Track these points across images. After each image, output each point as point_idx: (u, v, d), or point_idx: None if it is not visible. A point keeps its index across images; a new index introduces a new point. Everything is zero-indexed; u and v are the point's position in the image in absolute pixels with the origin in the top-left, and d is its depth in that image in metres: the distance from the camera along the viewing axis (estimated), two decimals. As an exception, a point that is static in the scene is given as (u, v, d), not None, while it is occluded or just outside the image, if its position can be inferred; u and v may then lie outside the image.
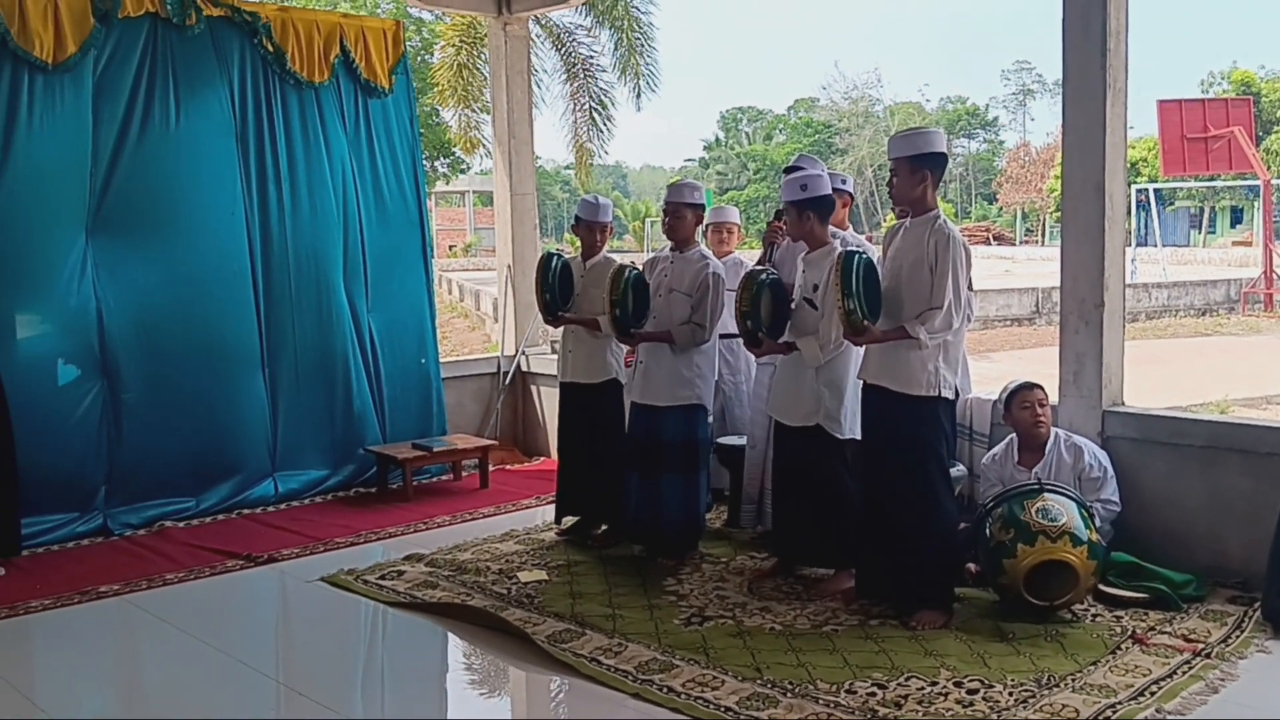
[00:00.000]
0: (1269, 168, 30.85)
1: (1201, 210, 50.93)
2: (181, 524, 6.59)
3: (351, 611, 5.21)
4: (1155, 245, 32.64)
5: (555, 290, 6.01)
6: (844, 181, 5.76)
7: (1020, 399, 5.29)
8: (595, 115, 19.78)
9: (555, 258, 6.09)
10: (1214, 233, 50.76)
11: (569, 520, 6.23)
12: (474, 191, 54.73)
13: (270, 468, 7.15)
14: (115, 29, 6.50)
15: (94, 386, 6.46)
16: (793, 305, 5.13)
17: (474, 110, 18.54)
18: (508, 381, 8.59)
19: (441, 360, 8.18)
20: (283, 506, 7.04)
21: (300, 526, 6.53)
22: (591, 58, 19.45)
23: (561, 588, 5.24)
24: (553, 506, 6.40)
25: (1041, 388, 5.34)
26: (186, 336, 6.76)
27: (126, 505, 6.54)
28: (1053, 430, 5.26)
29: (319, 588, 5.45)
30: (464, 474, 7.74)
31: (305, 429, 7.30)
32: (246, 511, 6.89)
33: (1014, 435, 5.36)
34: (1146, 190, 32.84)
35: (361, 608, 5.21)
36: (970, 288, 4.70)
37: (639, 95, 19.24)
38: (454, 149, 28.02)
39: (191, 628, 4.95)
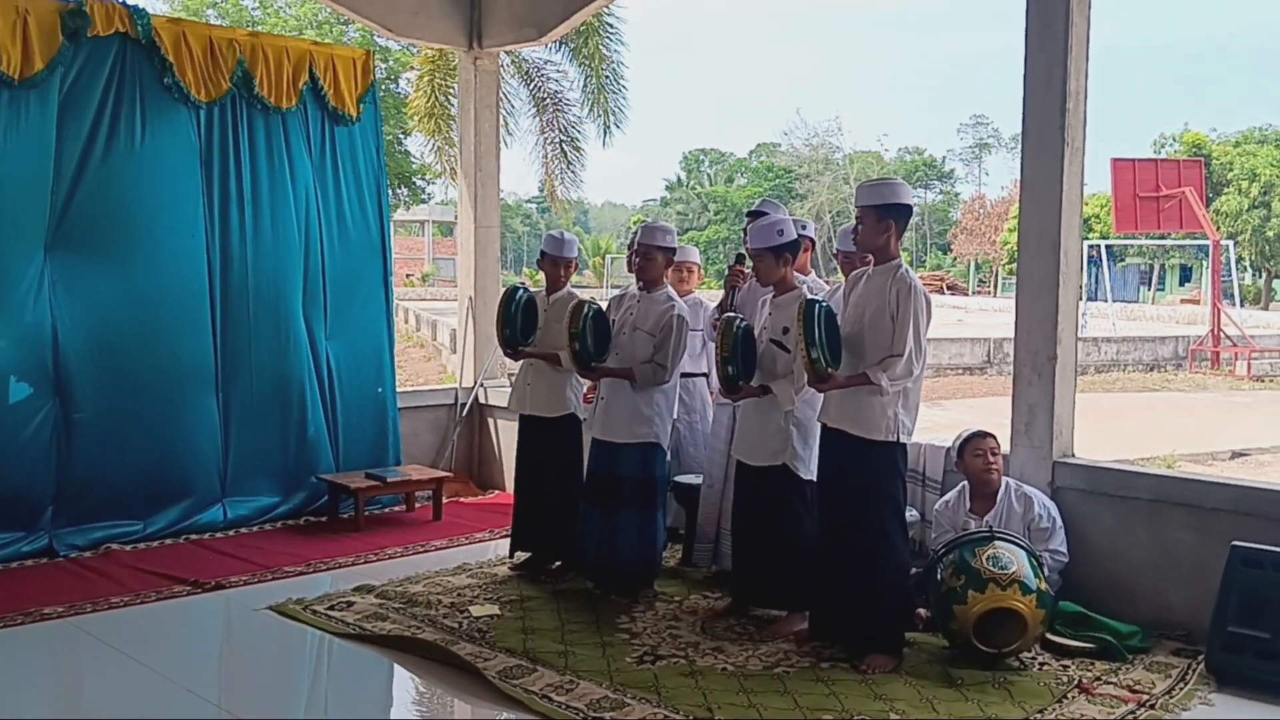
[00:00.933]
0: (1218, 228, 31.52)
1: (1152, 268, 51.98)
2: (128, 547, 6.50)
3: (298, 641, 5.15)
4: (1106, 300, 33.19)
5: (517, 324, 6.01)
6: (804, 227, 5.84)
7: (973, 447, 5.36)
8: (565, 149, 19.86)
9: (519, 291, 6.11)
10: (1163, 290, 51.80)
11: (522, 555, 6.20)
12: (434, 221, 54.73)
13: (220, 493, 7.07)
14: (84, 47, 6.48)
15: (45, 404, 6.37)
16: (759, 348, 5.17)
17: (449, 139, 18.59)
18: (464, 413, 8.57)
19: (398, 390, 8.15)
20: (231, 533, 6.95)
21: (249, 554, 6.45)
22: (560, 93, 19.57)
23: (514, 623, 5.21)
24: (506, 540, 6.37)
25: (994, 436, 5.42)
26: (141, 357, 6.69)
27: (73, 526, 6.44)
28: (1004, 479, 5.34)
29: (266, 616, 5.38)
30: (417, 505, 7.68)
31: (257, 455, 7.23)
32: (195, 537, 6.80)
33: (965, 483, 5.42)
34: (1099, 246, 33.42)
35: (309, 638, 5.14)
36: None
37: (607, 131, 19.36)
38: (416, 179, 28.07)
39: (136, 652, 4.87)
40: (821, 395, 4.95)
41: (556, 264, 6.13)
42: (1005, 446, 5.51)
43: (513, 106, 19.48)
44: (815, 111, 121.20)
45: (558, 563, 6.05)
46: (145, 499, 6.73)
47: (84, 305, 6.49)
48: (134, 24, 6.67)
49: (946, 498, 5.53)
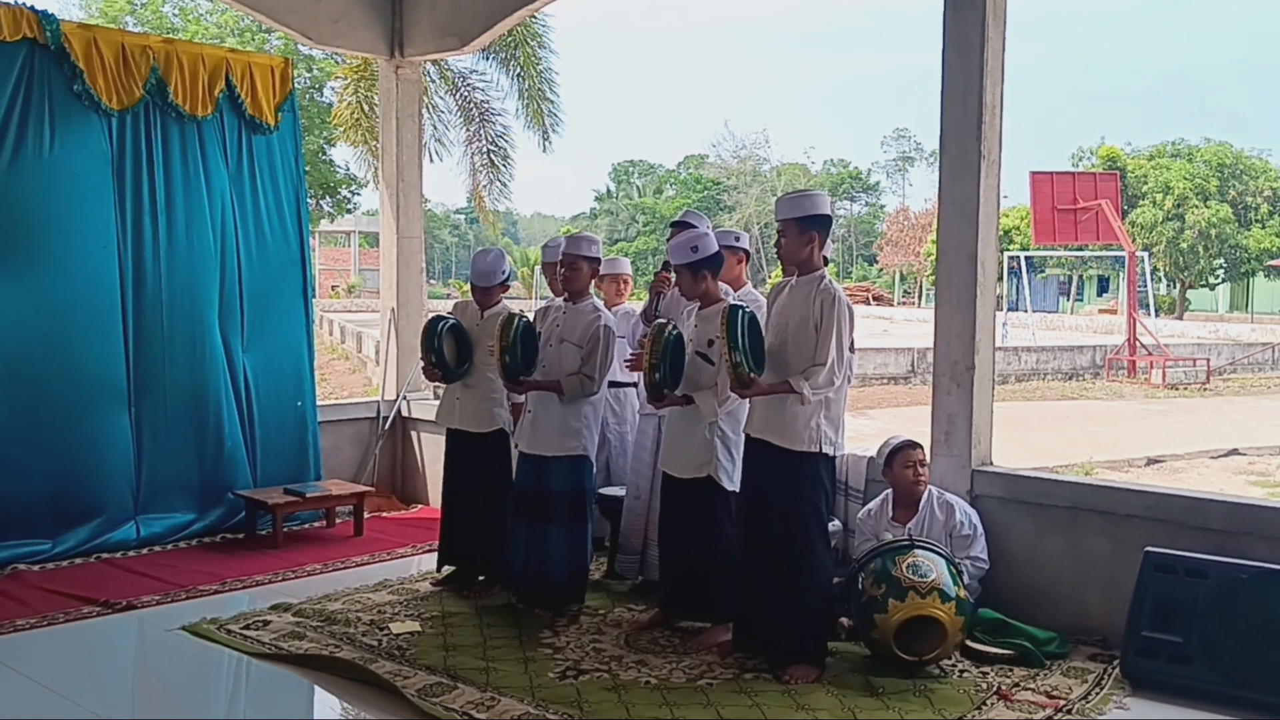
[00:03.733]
0: (1134, 240, 32.34)
1: (1070, 278, 53.16)
2: (36, 567, 6.30)
3: (214, 662, 5.02)
4: (1026, 310, 33.88)
5: (444, 358, 5.94)
6: (737, 239, 5.83)
7: (904, 458, 5.39)
8: (493, 159, 19.73)
9: (435, 328, 5.98)
10: (1081, 300, 53.01)
11: (447, 569, 6.12)
12: (359, 232, 54.16)
13: (133, 510, 6.88)
14: (-12, 53, 6.29)
15: (-53, 420, 6.17)
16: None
17: (375, 149, 18.39)
18: (387, 426, 8.46)
19: (319, 403, 8.01)
20: (145, 551, 6.77)
21: (162, 572, 6.29)
22: (487, 102, 19.45)
23: (434, 639, 5.14)
24: (429, 555, 6.28)
25: (921, 447, 5.46)
26: (49, 371, 6.50)
27: (-24, 546, 6.22)
28: (927, 487, 5.39)
29: (180, 637, 5.24)
30: (338, 521, 7.55)
31: (171, 470, 7.05)
32: (106, 555, 6.61)
33: (890, 491, 5.46)
34: (1018, 257, 34.11)
35: (224, 658, 5.02)
36: (851, 348, 4.80)
37: (545, 138, 19.25)
38: (341, 189, 27.78)
39: (43, 677, 4.72)
40: (745, 407, 4.96)
41: (483, 292, 6.04)
42: (926, 455, 5.57)
43: (440, 116, 19.34)
44: (743, 124, 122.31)
45: (481, 577, 5.98)
46: (54, 517, 6.53)
47: (-10, 317, 6.29)
48: (42, 29, 6.49)
49: (869, 506, 5.57)
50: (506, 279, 6.13)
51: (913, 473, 5.36)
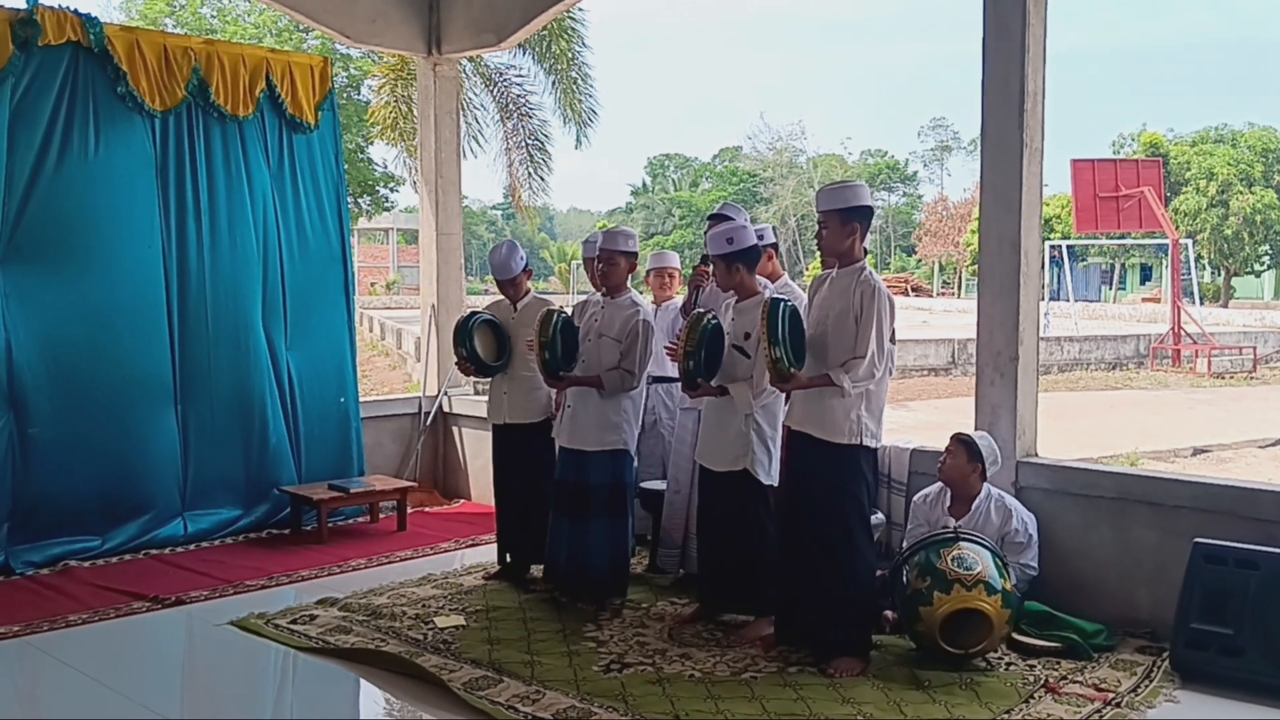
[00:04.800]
0: (1177, 227, 31.93)
1: (1113, 267, 52.51)
2: (86, 563, 6.40)
3: (261, 657, 5.08)
4: (1068, 300, 33.53)
5: (476, 354, 6.00)
6: (761, 236, 5.80)
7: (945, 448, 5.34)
8: (531, 154, 19.77)
9: (466, 325, 6.04)
10: (1124, 289, 52.36)
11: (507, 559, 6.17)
12: (397, 229, 54.44)
13: (180, 507, 6.97)
14: (35, 56, 6.38)
15: (0, 419, 6.25)
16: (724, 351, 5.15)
17: (413, 146, 18.48)
18: (429, 422, 8.50)
19: (361, 399, 8.08)
20: (192, 547, 6.86)
21: (209, 568, 6.37)
22: (523, 97, 19.50)
23: (479, 633, 5.17)
24: (472, 550, 6.31)
25: (958, 439, 5.37)
26: (97, 370, 6.59)
27: (29, 543, 6.33)
28: (985, 487, 5.31)
29: (227, 632, 5.31)
30: (381, 516, 7.62)
31: (217, 468, 7.14)
32: (154, 552, 6.70)
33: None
34: (1060, 246, 33.77)
35: (271, 653, 5.07)
36: (892, 340, 4.77)
37: (581, 132, 19.29)
38: (379, 187, 27.93)
39: (94, 671, 4.79)
40: (783, 400, 4.95)
41: (503, 286, 6.12)
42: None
43: (477, 113, 19.42)
44: (778, 115, 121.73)
45: (539, 567, 5.98)
46: (103, 514, 6.63)
47: (38, 319, 6.39)
48: (86, 32, 6.57)
49: (927, 491, 5.49)
50: (525, 266, 6.15)
51: (940, 460, 5.32)
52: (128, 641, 5.27)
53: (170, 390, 6.93)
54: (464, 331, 6.01)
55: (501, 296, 6.24)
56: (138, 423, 6.77)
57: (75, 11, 6.57)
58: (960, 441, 5.32)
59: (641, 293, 6.13)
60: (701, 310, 5.21)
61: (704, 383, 5.06)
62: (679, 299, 6.75)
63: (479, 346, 6.02)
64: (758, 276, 5.29)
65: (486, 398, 6.41)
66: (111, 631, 5.36)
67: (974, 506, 5.25)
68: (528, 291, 6.14)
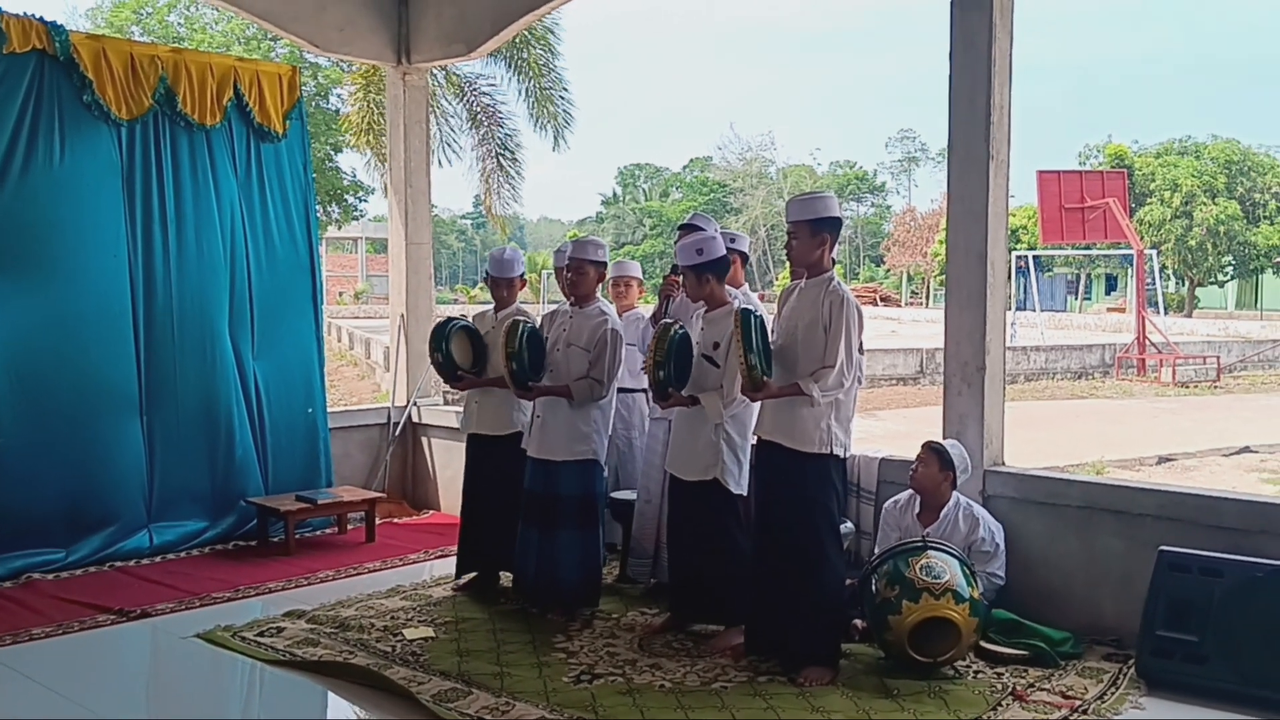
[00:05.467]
0: (1142, 238, 32.24)
1: (1078, 277, 53.05)
2: (50, 576, 6.31)
3: (228, 670, 5.03)
4: (1034, 309, 33.81)
5: (451, 358, 6.00)
6: (732, 240, 5.83)
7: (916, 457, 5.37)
8: (502, 163, 19.74)
9: (444, 330, 6.05)
10: (1090, 299, 52.87)
11: (469, 575, 6.13)
12: (366, 238, 54.25)
13: (145, 518, 6.90)
14: (0, 64, 6.31)
15: (-39, 431, 6.19)
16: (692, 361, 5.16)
17: (383, 155, 18.42)
18: (398, 432, 8.47)
19: (329, 410, 8.03)
20: (158, 559, 6.78)
21: (175, 580, 6.30)
22: (494, 106, 19.48)
23: (448, 645, 5.14)
24: (441, 561, 6.28)
25: (936, 450, 5.35)
26: (62, 380, 6.52)
27: (-9, 556, 6.24)
28: (954, 495, 5.33)
29: (194, 644, 5.25)
30: (349, 527, 7.56)
31: (183, 479, 7.07)
32: (119, 564, 6.62)
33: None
34: (1026, 257, 34.09)
35: (238, 666, 5.02)
36: (861, 350, 4.79)
37: (559, 137, 19.29)
38: (348, 195, 27.82)
39: (59, 686, 4.74)
40: (754, 410, 4.97)
41: (498, 284, 6.10)
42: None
43: (447, 121, 19.37)
44: (748, 126, 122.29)
45: (508, 574, 5.96)
46: (67, 526, 6.55)
47: (2, 328, 6.30)
48: (52, 40, 6.51)
49: (898, 498, 5.52)
50: (522, 275, 6.16)
51: (911, 470, 5.35)
52: (92, 655, 5.21)
53: (136, 400, 6.87)
54: (441, 334, 6.01)
55: (486, 310, 6.22)
56: (102, 433, 6.70)
57: (40, 19, 6.51)
58: (932, 450, 5.35)
59: (610, 302, 6.13)
60: (669, 320, 5.23)
61: (675, 392, 5.07)
62: (640, 309, 6.76)
63: (455, 352, 6.01)
64: (727, 286, 5.31)
65: (456, 408, 6.40)
66: (76, 645, 5.29)
67: (942, 514, 5.28)
68: (513, 303, 6.13)
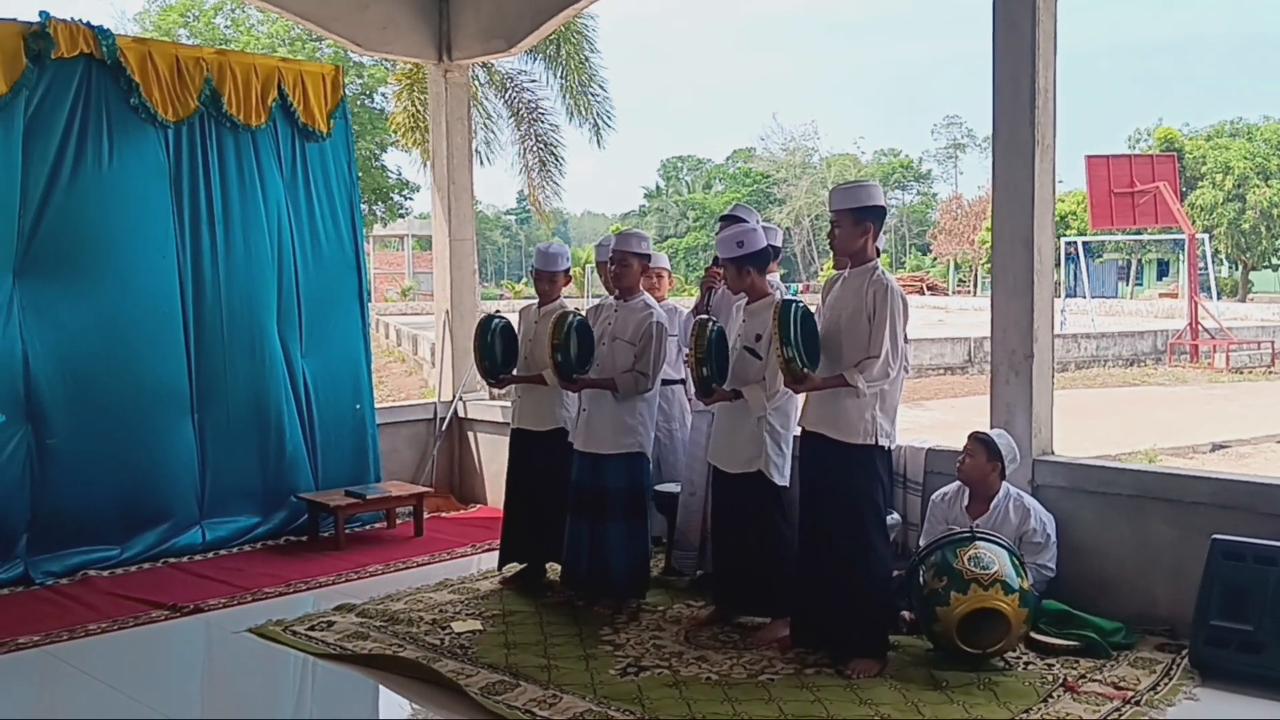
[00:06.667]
0: (1193, 222, 31.77)
1: (1129, 263, 52.28)
2: (105, 573, 6.42)
3: (280, 664, 5.09)
4: (1084, 296, 33.38)
5: (495, 355, 6.03)
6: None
7: (964, 447, 5.31)
8: (544, 158, 19.82)
9: (493, 320, 6.08)
10: (1141, 285, 52.12)
11: (513, 567, 6.17)
12: (413, 235, 54.61)
13: (198, 515, 7.00)
14: (48, 69, 6.42)
15: (18, 431, 6.30)
16: (732, 353, 5.15)
17: (429, 152, 18.55)
18: (444, 428, 8.52)
19: (377, 406, 8.10)
20: (210, 555, 6.88)
21: (227, 576, 6.38)
22: (535, 102, 19.54)
23: (496, 638, 5.17)
24: (488, 555, 6.31)
25: (983, 441, 5.30)
26: (114, 380, 6.63)
27: (49, 553, 6.36)
28: (1004, 485, 5.27)
29: (246, 639, 5.32)
30: (398, 522, 7.63)
31: (235, 476, 7.16)
32: (172, 560, 6.73)
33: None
34: (1075, 243, 33.62)
35: (290, 660, 5.09)
36: (905, 339, 4.76)
37: (598, 134, 19.34)
38: (393, 193, 28.05)
39: (114, 680, 4.82)
40: (797, 402, 4.95)
41: (540, 278, 6.11)
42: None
43: (490, 119, 19.47)
44: (791, 116, 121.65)
45: (555, 565, 5.98)
46: (122, 523, 6.66)
47: (54, 330, 6.42)
48: (99, 45, 6.61)
49: (945, 490, 5.46)
50: (568, 270, 6.17)
51: (959, 460, 5.30)
52: (147, 650, 5.29)
53: (186, 399, 6.97)
54: (487, 332, 6.05)
55: (531, 304, 6.24)
56: (154, 432, 6.80)
57: (88, 24, 6.61)
58: (979, 440, 5.30)
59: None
60: (704, 318, 5.22)
61: (718, 388, 5.06)
62: (671, 300, 6.74)
63: (498, 351, 6.05)
64: (769, 277, 5.29)
65: (503, 403, 6.43)
66: (130, 640, 5.38)
67: (992, 505, 5.22)
68: (557, 295, 6.15)
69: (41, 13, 6.43)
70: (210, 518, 7.04)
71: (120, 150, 6.70)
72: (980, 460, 5.26)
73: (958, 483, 5.40)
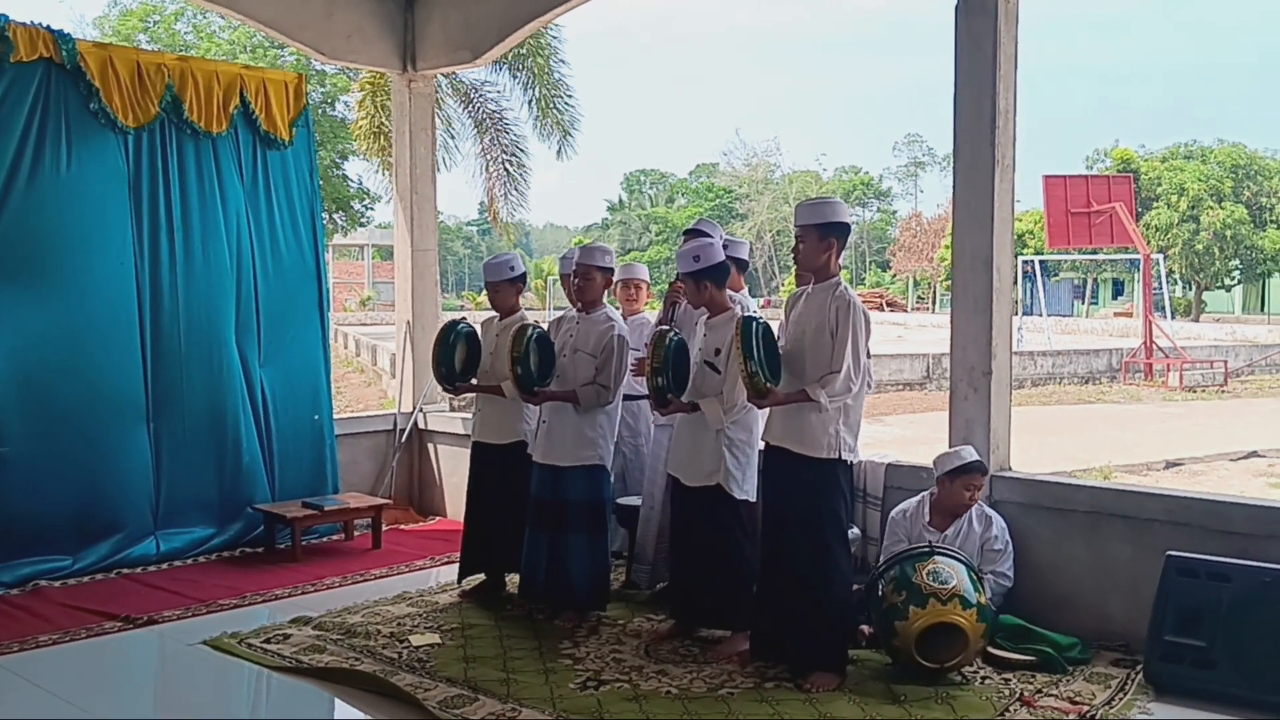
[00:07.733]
0: (1148, 242, 32.19)
1: (1085, 281, 52.95)
2: (57, 583, 6.32)
3: (235, 676, 5.03)
4: (1041, 314, 33.74)
5: (453, 361, 6.00)
6: (728, 247, 5.80)
7: (967, 480, 5.28)
8: (507, 169, 19.78)
9: (458, 325, 6.06)
10: (1096, 303, 52.79)
11: (472, 581, 6.13)
12: (373, 245, 54.37)
13: (152, 525, 6.90)
14: (7, 73, 6.33)
15: (-32, 439, 6.19)
16: (693, 367, 5.16)
17: (389, 161, 18.47)
18: (404, 439, 8.47)
19: (336, 416, 8.03)
20: (164, 566, 6.79)
21: (182, 587, 6.30)
22: (499, 113, 19.52)
23: (455, 651, 5.14)
24: (447, 567, 6.27)
25: (986, 470, 5.39)
26: (69, 388, 6.53)
27: (-1, 563, 6.25)
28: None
29: (200, 651, 5.25)
30: (356, 534, 7.56)
31: (190, 486, 7.07)
32: (126, 571, 6.63)
33: (930, 495, 5.41)
34: (1033, 261, 33.97)
35: (245, 673, 5.03)
36: (868, 355, 4.79)
37: (564, 144, 19.33)
38: (354, 203, 27.89)
39: (65, 693, 4.74)
40: (758, 416, 4.97)
41: (489, 289, 6.11)
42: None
43: (453, 128, 19.42)
44: (754, 132, 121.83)
45: (515, 577, 5.96)
46: (75, 533, 6.55)
47: (9, 336, 6.32)
48: (59, 49, 6.53)
49: (904, 506, 5.50)
50: (518, 276, 6.14)
51: (970, 495, 5.30)
52: (100, 662, 5.21)
53: (142, 408, 6.87)
54: (450, 335, 6.04)
55: (493, 316, 6.22)
56: (110, 441, 6.71)
57: (48, 28, 6.53)
58: (983, 473, 5.35)
59: (616, 307, 6.14)
60: (664, 328, 5.24)
61: (674, 399, 5.07)
62: (648, 314, 6.75)
63: (456, 358, 6.03)
64: (729, 291, 5.30)
65: (463, 414, 6.40)
66: (83, 652, 5.30)
67: (960, 517, 5.27)
68: (517, 309, 6.12)
69: (0, 15, 6.35)
70: (165, 528, 6.95)
71: (79, 155, 6.62)
72: (984, 487, 5.36)
73: (919, 497, 5.44)
